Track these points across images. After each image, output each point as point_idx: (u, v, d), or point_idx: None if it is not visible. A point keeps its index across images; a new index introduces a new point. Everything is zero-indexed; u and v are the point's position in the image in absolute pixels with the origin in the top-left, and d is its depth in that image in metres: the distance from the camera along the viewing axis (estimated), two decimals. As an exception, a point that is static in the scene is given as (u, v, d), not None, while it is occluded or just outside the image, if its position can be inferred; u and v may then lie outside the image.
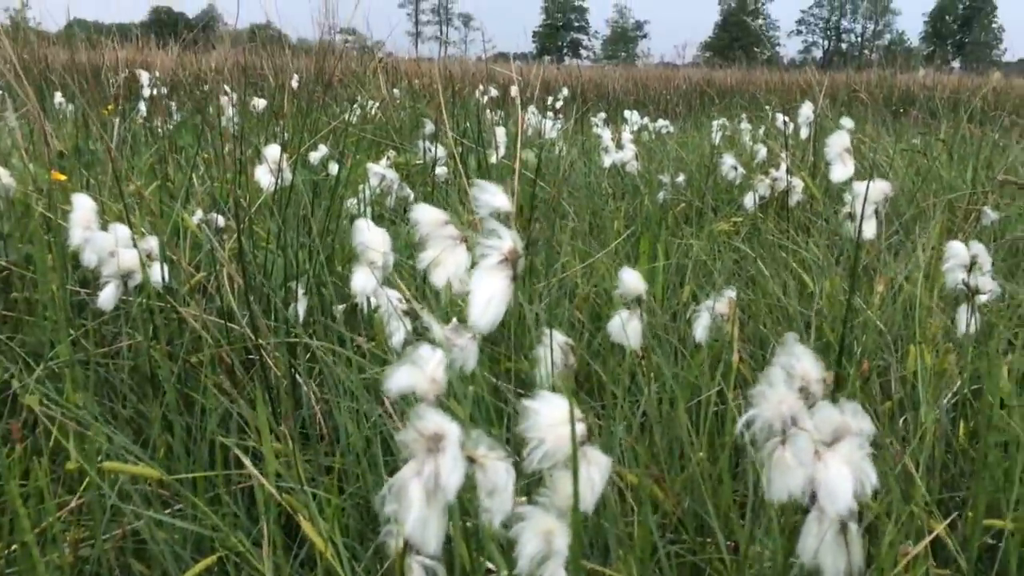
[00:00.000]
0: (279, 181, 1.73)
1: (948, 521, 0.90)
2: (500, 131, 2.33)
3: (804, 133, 2.64)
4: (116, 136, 2.00)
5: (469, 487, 0.57)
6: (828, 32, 54.96)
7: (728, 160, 2.24)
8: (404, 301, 1.10)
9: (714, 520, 0.95)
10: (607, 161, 2.44)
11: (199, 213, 1.68)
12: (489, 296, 0.68)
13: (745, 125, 4.01)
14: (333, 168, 2.24)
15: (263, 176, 1.81)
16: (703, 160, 2.73)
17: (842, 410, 0.52)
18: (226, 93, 3.40)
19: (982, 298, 1.20)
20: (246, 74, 4.28)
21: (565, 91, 5.44)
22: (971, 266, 1.22)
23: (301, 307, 1.30)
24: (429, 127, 2.20)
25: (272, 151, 1.77)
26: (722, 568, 0.95)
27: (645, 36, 56.06)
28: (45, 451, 1.02)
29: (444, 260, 0.81)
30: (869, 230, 1.48)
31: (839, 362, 1.23)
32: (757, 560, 0.82)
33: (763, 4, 53.69)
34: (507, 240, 0.71)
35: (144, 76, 3.54)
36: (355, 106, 3.67)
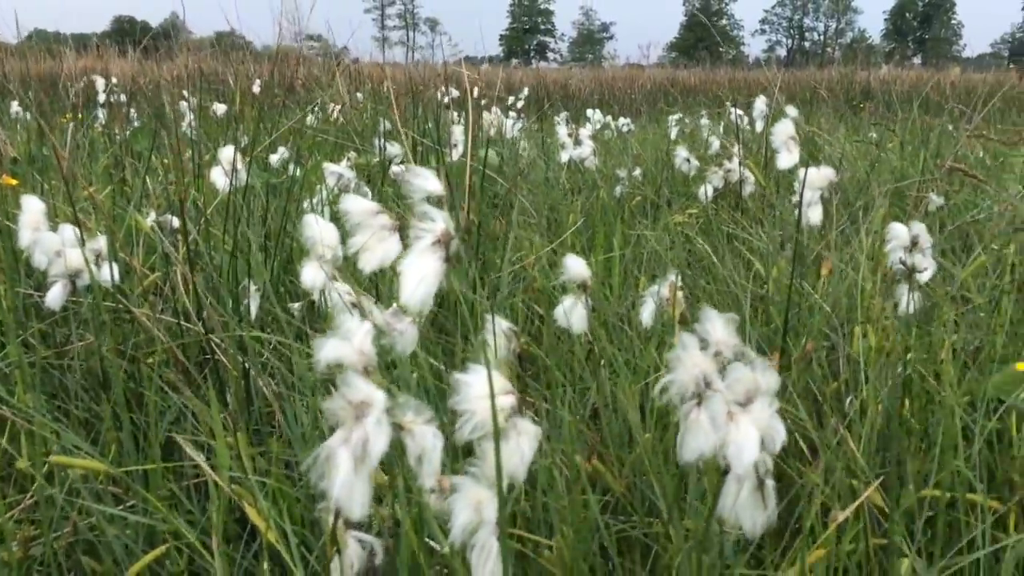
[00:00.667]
0: (233, 182, 1.73)
1: (876, 484, 0.92)
2: (457, 130, 2.34)
3: (760, 126, 2.69)
4: (70, 142, 1.99)
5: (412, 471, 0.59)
6: (791, 31, 55.57)
7: (681, 153, 2.27)
8: (353, 293, 1.12)
9: (660, 500, 0.97)
10: (564, 157, 2.46)
11: (153, 215, 1.68)
12: (420, 276, 0.70)
13: (705, 121, 4.05)
14: (294, 170, 2.24)
15: (218, 177, 1.81)
16: (659, 155, 2.76)
17: (754, 369, 0.54)
18: (184, 99, 3.39)
19: (923, 276, 1.24)
20: (203, 78, 4.26)
21: (526, 90, 5.49)
22: (912, 246, 1.25)
23: (254, 303, 1.31)
24: (384, 125, 2.21)
25: (226, 152, 1.77)
26: (668, 544, 0.96)
27: (611, 38, 56.35)
28: (-6, 450, 1.02)
29: (373, 247, 0.82)
30: (815, 216, 1.51)
31: (784, 342, 1.26)
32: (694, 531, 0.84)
33: (727, 4, 54.21)
34: (440, 222, 0.72)
35: (100, 82, 3.51)
36: (315, 108, 3.66)
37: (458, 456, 0.73)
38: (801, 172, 1.42)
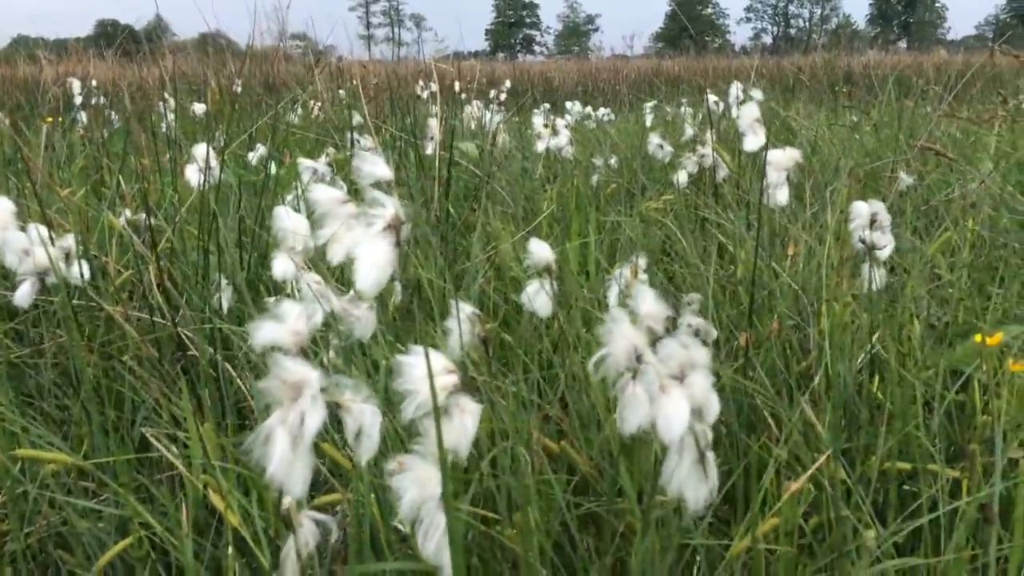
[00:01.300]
0: (207, 180, 1.73)
1: (828, 454, 0.94)
2: (434, 123, 2.35)
3: (735, 112, 2.70)
4: (44, 143, 1.99)
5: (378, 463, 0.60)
6: (777, 18, 55.62)
7: (654, 140, 2.28)
8: (320, 283, 1.12)
9: (625, 480, 0.99)
10: (540, 147, 2.47)
11: (127, 213, 1.68)
12: (373, 261, 0.71)
13: (687, 109, 4.06)
14: (272, 167, 2.24)
15: (193, 175, 1.82)
16: (636, 143, 2.78)
17: (684, 345, 0.55)
18: (164, 100, 3.38)
19: (882, 254, 1.25)
20: (183, 79, 4.26)
21: (508, 83, 5.50)
22: (871, 223, 1.26)
23: (225, 297, 1.31)
24: (357, 119, 2.22)
25: (200, 150, 1.78)
26: (633, 521, 0.98)
27: (597, 29, 56.30)
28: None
29: (341, 236, 0.83)
30: (782, 197, 1.52)
31: (750, 321, 1.28)
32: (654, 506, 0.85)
33: (712, -7, 54.23)
34: (390, 207, 0.73)
35: (76, 85, 3.50)
36: (296, 105, 3.67)
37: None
38: (769, 154, 1.43)
